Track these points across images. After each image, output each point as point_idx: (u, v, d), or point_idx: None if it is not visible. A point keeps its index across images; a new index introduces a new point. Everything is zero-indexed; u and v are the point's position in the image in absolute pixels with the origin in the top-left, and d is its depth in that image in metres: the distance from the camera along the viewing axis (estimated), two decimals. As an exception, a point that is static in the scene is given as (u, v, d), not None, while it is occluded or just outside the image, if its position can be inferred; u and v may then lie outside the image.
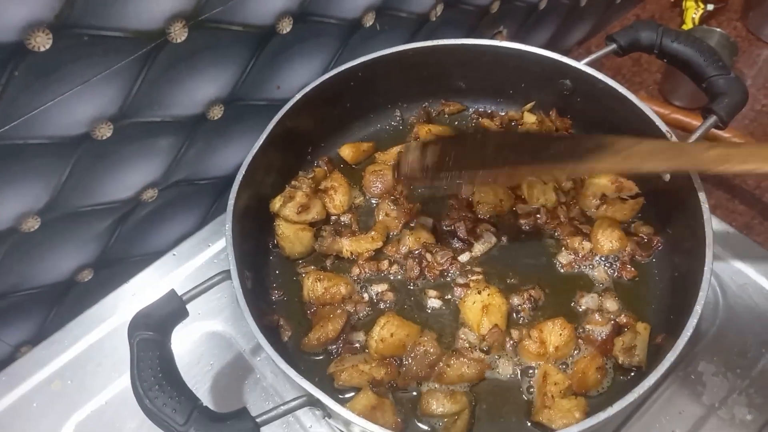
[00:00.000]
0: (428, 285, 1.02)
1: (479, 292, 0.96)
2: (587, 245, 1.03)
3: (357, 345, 0.95)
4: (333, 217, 1.10)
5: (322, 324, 0.95)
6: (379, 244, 1.04)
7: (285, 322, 0.99)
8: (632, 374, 0.91)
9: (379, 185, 1.12)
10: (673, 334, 0.82)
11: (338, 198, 1.09)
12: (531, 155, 0.91)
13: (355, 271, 1.03)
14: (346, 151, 1.17)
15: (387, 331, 0.92)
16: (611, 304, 0.97)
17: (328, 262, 1.05)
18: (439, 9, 1.26)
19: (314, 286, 0.99)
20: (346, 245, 1.04)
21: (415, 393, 0.91)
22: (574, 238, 1.04)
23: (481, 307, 0.94)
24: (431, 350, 0.92)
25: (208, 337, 1.08)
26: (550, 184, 1.07)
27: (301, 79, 1.13)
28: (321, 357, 0.96)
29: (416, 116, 1.23)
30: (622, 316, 0.95)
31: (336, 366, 0.92)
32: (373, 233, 1.05)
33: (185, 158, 1.08)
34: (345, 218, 1.10)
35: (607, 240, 1.01)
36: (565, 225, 1.05)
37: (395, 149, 1.16)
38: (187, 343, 1.07)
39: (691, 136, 0.97)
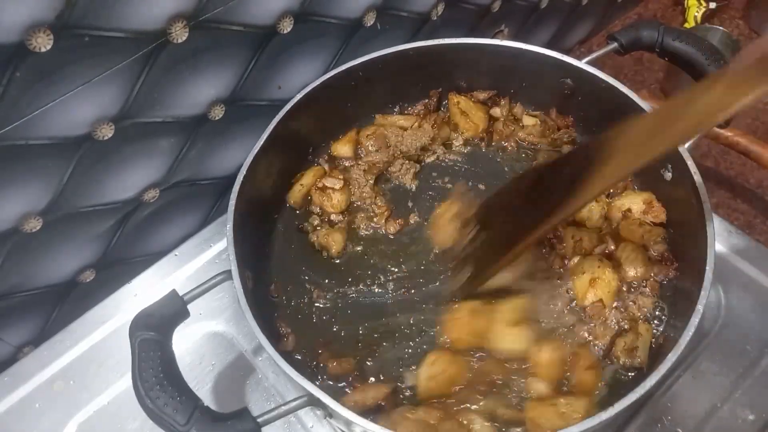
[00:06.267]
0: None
1: None
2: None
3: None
4: (332, 216, 1.09)
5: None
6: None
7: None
8: (633, 374, 0.90)
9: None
10: (674, 334, 0.82)
11: (336, 197, 1.09)
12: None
13: None
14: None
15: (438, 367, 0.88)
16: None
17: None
18: (440, 8, 1.26)
19: None
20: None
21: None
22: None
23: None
24: None
25: (210, 337, 1.08)
26: None
27: (302, 78, 1.13)
28: (322, 357, 0.95)
29: (424, 105, 1.21)
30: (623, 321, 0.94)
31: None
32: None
33: (186, 158, 1.08)
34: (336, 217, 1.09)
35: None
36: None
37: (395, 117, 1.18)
38: (188, 344, 1.07)
39: (692, 135, 0.97)
